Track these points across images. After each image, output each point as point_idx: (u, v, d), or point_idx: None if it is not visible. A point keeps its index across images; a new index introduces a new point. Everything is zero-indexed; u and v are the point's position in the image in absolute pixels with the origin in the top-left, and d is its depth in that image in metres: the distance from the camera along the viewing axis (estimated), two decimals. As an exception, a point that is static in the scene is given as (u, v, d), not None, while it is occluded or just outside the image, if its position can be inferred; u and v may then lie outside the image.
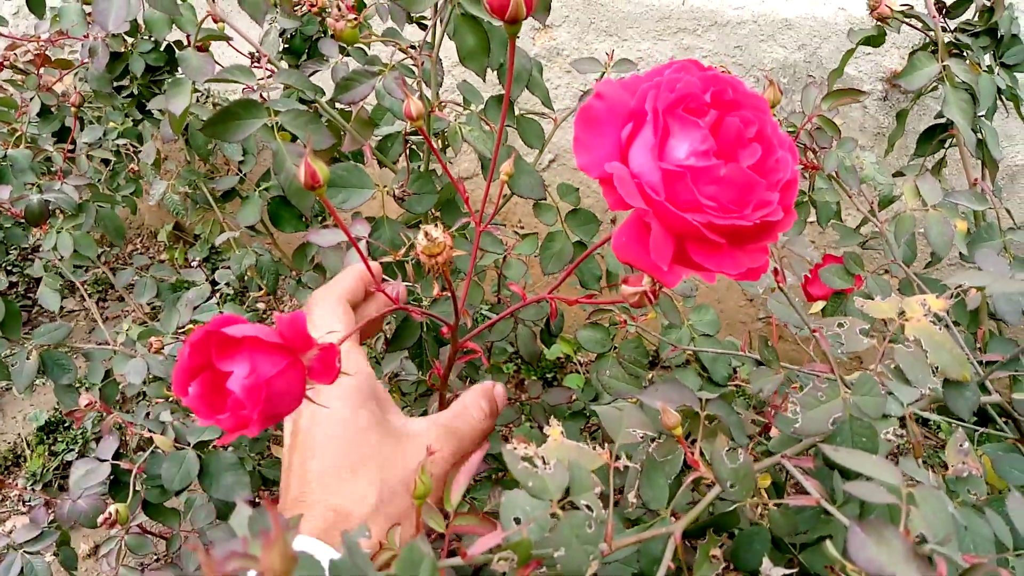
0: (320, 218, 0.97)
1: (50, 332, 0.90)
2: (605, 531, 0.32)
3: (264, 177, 0.99)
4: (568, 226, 0.77)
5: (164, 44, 1.00)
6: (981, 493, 0.42)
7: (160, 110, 1.04)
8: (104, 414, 0.77)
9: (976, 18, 0.85)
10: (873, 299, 0.47)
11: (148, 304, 1.20)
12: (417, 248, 0.40)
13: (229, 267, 1.03)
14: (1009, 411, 0.53)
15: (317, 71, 0.85)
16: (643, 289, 0.39)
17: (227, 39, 0.78)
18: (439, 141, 0.80)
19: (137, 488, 0.71)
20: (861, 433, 0.39)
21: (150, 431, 0.72)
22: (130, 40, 0.99)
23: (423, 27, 0.88)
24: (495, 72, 0.70)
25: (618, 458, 0.38)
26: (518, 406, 1.00)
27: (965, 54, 0.82)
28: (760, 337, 0.51)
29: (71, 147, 1.10)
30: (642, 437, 0.41)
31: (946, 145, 0.92)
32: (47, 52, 1.08)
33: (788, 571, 0.34)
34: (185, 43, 1.04)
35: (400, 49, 0.68)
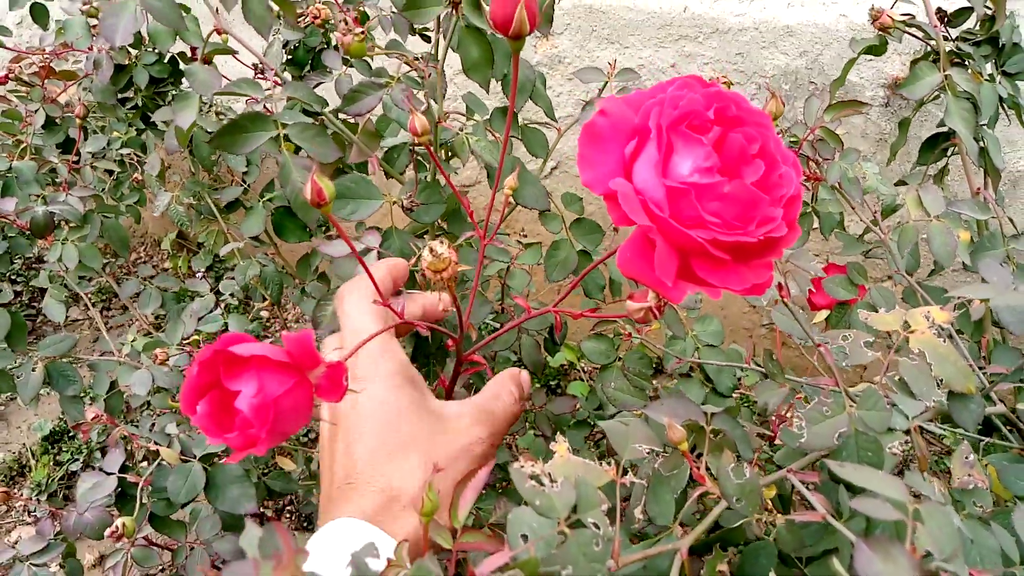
0: (324, 228, 0.98)
1: (55, 344, 0.90)
2: (612, 547, 0.32)
3: (268, 188, 0.99)
4: (573, 235, 0.77)
5: (168, 56, 1.01)
6: (987, 505, 0.42)
7: (164, 121, 1.05)
8: (110, 426, 0.77)
9: (977, 27, 0.85)
10: (877, 311, 0.47)
11: (152, 314, 1.20)
12: (422, 264, 0.41)
13: (233, 277, 1.04)
14: (1014, 421, 0.53)
15: (321, 83, 0.86)
16: (648, 305, 0.39)
17: (233, 52, 0.78)
18: (443, 152, 0.80)
19: (144, 501, 0.72)
20: (867, 447, 0.39)
21: (156, 444, 0.72)
22: (134, 52, 0.99)
23: (426, 39, 0.89)
24: (499, 83, 0.71)
25: (625, 473, 0.38)
26: (522, 415, 0.99)
27: (967, 63, 0.82)
28: (765, 351, 0.51)
29: (75, 158, 1.11)
30: (648, 452, 0.41)
31: (948, 153, 0.92)
32: (52, 64, 1.09)
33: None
34: (189, 55, 1.05)
35: (406, 62, 0.69)
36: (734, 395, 0.69)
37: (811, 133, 0.69)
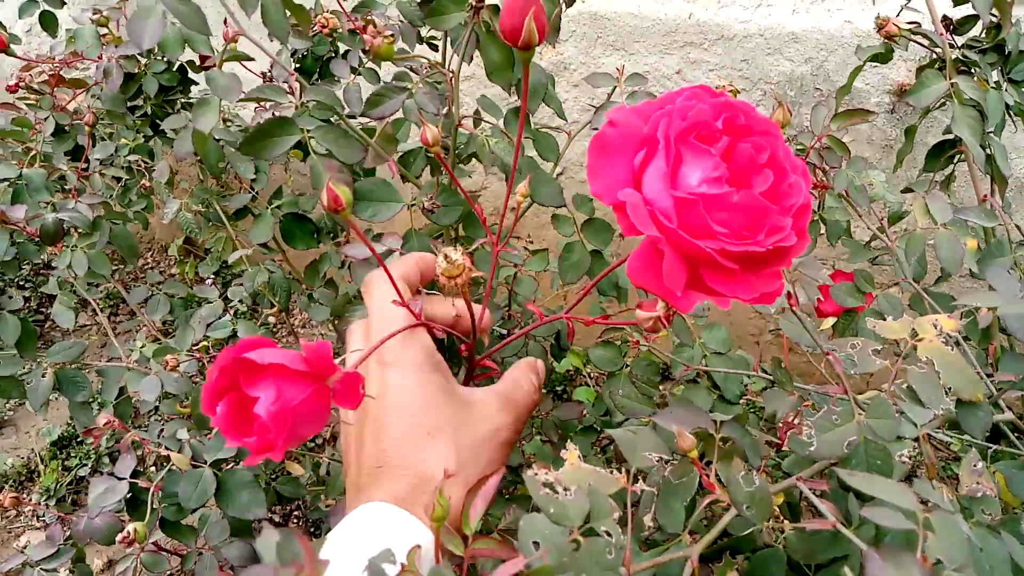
0: (332, 235, 0.98)
1: (65, 350, 0.90)
2: (624, 555, 0.33)
3: (276, 194, 1.00)
4: (584, 236, 0.78)
5: (177, 64, 1.02)
6: (996, 513, 0.42)
7: (173, 129, 1.06)
8: (119, 431, 0.78)
9: (983, 35, 0.86)
10: (884, 318, 0.48)
11: (160, 320, 1.21)
12: (437, 270, 0.41)
13: (241, 283, 1.04)
14: (1022, 428, 0.53)
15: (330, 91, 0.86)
16: (657, 314, 0.40)
17: (250, 59, 0.79)
18: (451, 157, 0.81)
19: (154, 506, 0.72)
20: (876, 456, 0.39)
21: (167, 449, 0.73)
22: (143, 61, 1.00)
23: (433, 48, 0.90)
24: (512, 87, 0.72)
25: (635, 481, 0.38)
26: (528, 421, 1.00)
27: (973, 71, 0.82)
28: (772, 358, 0.52)
29: (85, 166, 1.12)
30: (657, 460, 0.41)
31: (955, 160, 0.92)
32: (61, 72, 1.10)
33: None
34: (198, 63, 1.05)
35: (429, 65, 0.70)
36: (741, 402, 0.69)
37: (818, 141, 0.70)
